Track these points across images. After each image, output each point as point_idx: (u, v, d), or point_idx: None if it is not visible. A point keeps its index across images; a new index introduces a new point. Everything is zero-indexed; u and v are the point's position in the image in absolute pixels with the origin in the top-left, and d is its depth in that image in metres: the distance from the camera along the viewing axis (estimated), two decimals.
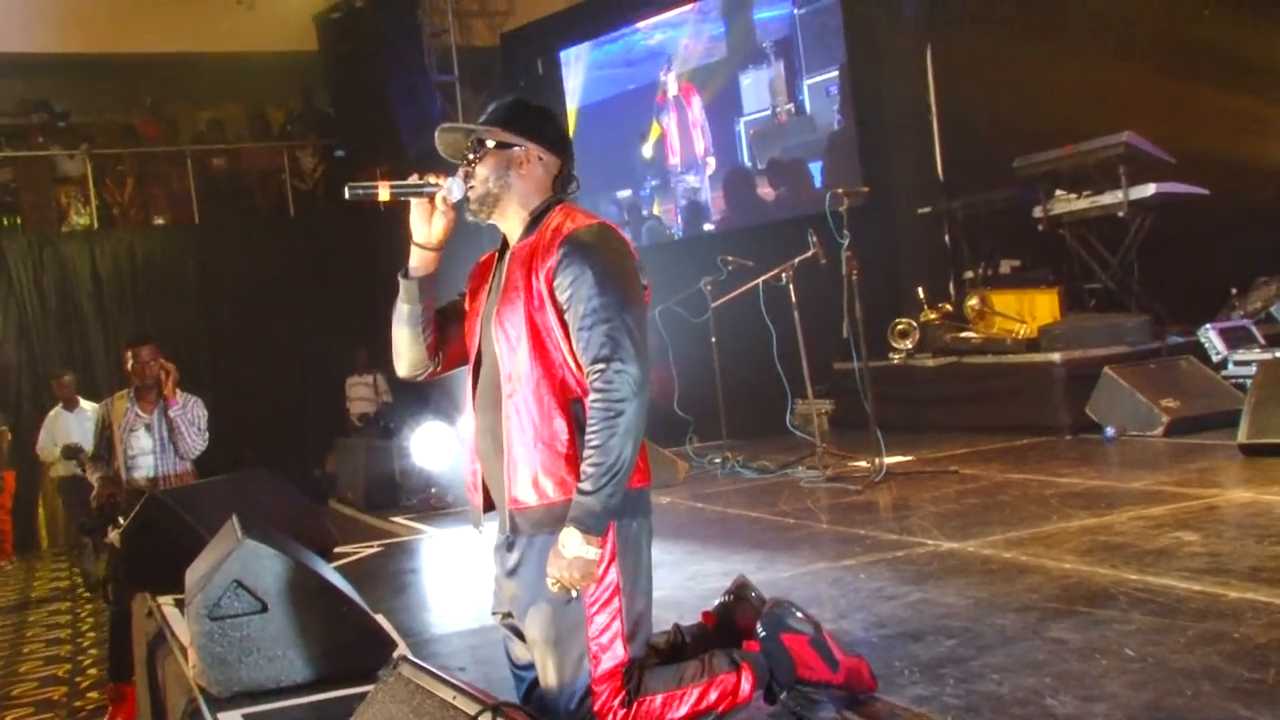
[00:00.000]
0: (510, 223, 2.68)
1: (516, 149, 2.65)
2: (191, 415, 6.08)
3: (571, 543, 2.42)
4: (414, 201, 2.66)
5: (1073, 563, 4.09)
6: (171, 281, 13.49)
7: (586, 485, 2.41)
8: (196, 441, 6.11)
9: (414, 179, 2.65)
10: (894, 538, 4.92)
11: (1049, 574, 3.98)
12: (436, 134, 2.72)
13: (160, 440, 6.02)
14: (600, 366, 2.42)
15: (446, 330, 2.82)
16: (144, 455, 6.03)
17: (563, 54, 13.20)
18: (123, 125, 14.16)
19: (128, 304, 13.23)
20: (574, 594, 2.49)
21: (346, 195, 2.60)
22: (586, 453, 2.43)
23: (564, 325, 2.50)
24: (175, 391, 6.02)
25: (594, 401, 2.43)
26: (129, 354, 6.07)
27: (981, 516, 5.16)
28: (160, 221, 13.95)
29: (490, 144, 2.64)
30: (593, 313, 2.44)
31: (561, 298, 2.49)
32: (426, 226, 2.69)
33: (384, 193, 2.60)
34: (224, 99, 14.85)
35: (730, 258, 7.73)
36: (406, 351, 2.80)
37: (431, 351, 2.80)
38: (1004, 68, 9.07)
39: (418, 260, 2.72)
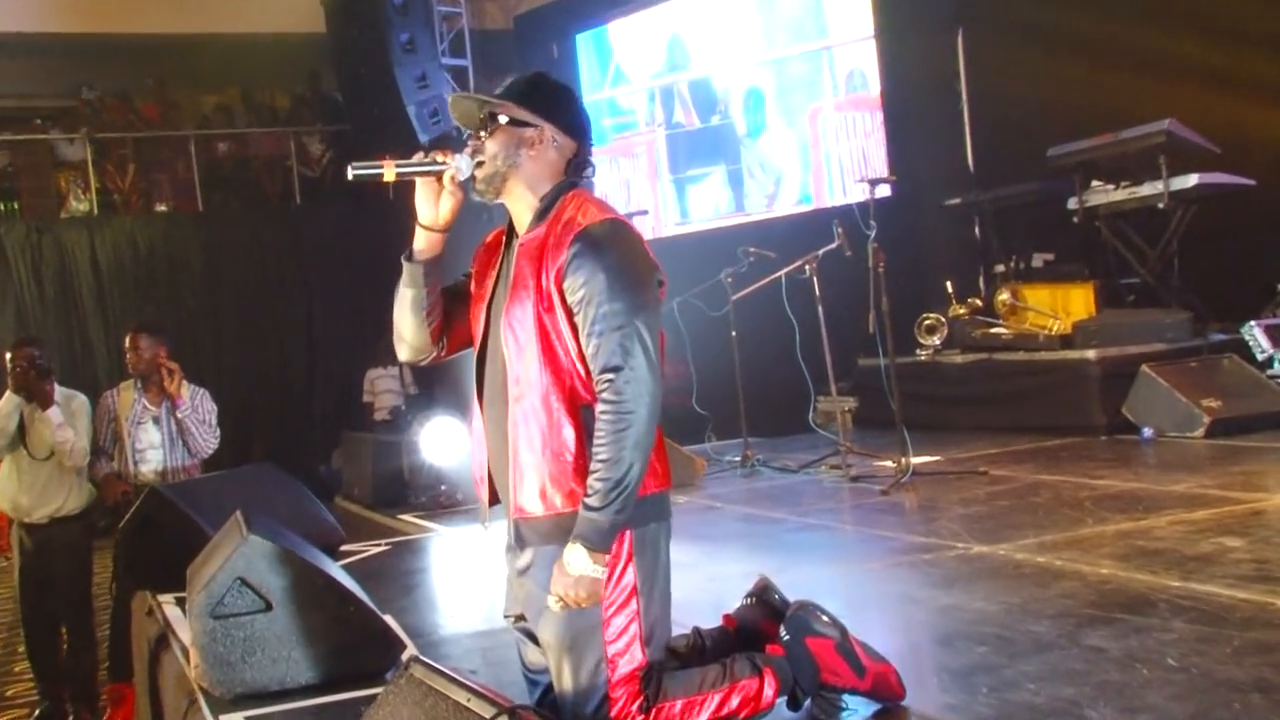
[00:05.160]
0: (518, 205, 2.64)
1: (530, 129, 2.61)
2: (201, 413, 6.03)
3: (577, 560, 2.40)
4: (419, 181, 2.63)
5: (1110, 568, 4.05)
6: (174, 271, 13.49)
7: (593, 500, 2.39)
8: (209, 439, 6.06)
9: (419, 157, 2.62)
10: (921, 540, 4.89)
11: (1085, 579, 3.94)
12: (450, 100, 2.70)
13: (169, 434, 5.98)
14: (610, 376, 2.40)
15: (451, 314, 2.79)
16: (152, 449, 5.98)
17: (579, 37, 13.18)
18: (125, 109, 14.18)
19: (129, 294, 13.23)
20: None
21: (350, 176, 2.57)
22: (594, 466, 2.40)
23: (574, 327, 2.47)
24: (180, 391, 5.97)
25: (603, 411, 2.40)
26: (128, 340, 6.03)
27: (1013, 519, 5.12)
28: (162, 209, 13.95)
29: (503, 120, 2.61)
30: (604, 318, 2.41)
31: (572, 300, 2.46)
32: (433, 207, 2.65)
33: (389, 173, 2.56)
34: (229, 82, 14.84)
35: (752, 248, 7.70)
36: (410, 336, 2.77)
37: (435, 336, 2.78)
38: (1038, 52, 9.01)
39: (423, 242, 2.69)
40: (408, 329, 2.76)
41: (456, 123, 2.71)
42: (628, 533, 2.49)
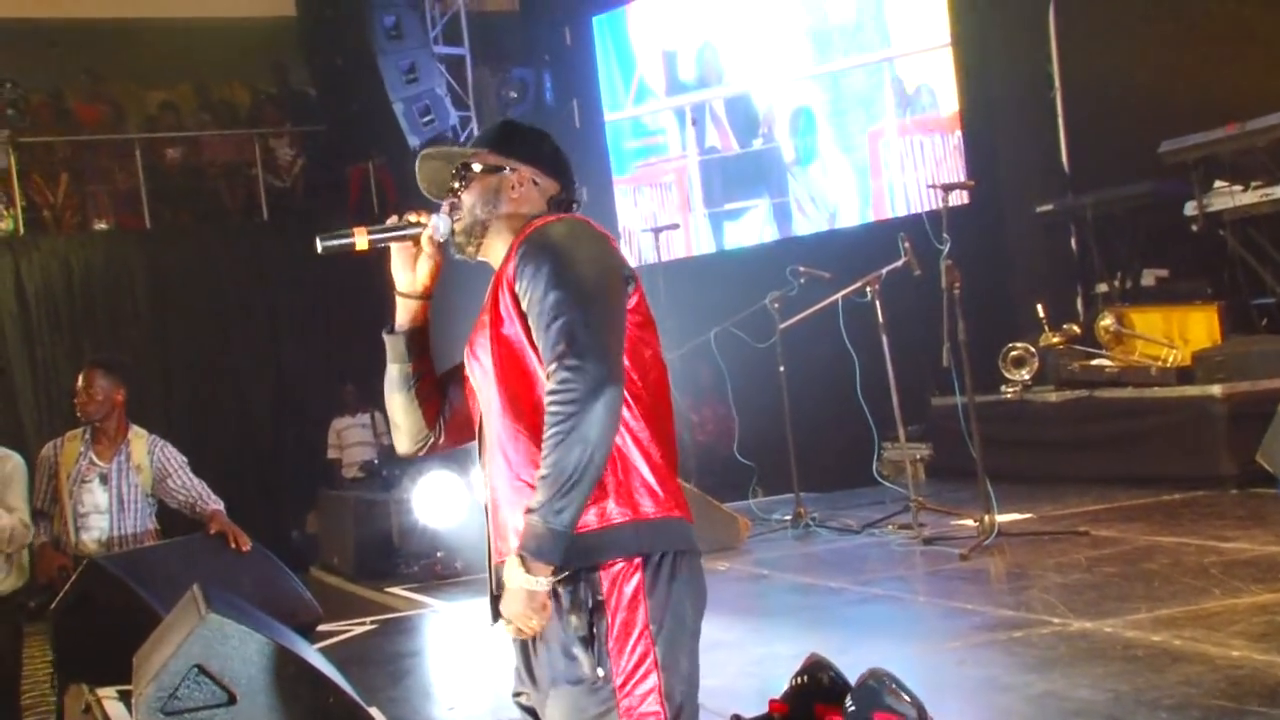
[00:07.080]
0: (499, 256, 2.75)
1: (508, 171, 2.75)
2: (180, 483, 5.90)
3: (512, 573, 2.45)
4: (394, 246, 2.78)
5: (1243, 649, 4.05)
6: (116, 300, 13.56)
7: (532, 502, 2.45)
8: (206, 495, 5.92)
9: (393, 221, 2.80)
10: (1010, 614, 4.90)
11: (1212, 663, 3.94)
12: (416, 165, 2.87)
13: (118, 495, 5.90)
14: (552, 366, 2.48)
15: (450, 394, 2.90)
16: (97, 514, 5.88)
17: (596, 20, 13.26)
18: (56, 109, 14.32)
19: (61, 329, 13.27)
20: (588, 667, 2.48)
21: (319, 250, 2.77)
22: (540, 468, 2.46)
23: (531, 336, 2.56)
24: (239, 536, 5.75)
25: (548, 405, 2.47)
26: (81, 379, 5.97)
27: (1121, 590, 5.12)
28: (102, 226, 14.07)
29: (477, 168, 2.75)
30: (550, 309, 2.50)
31: (524, 305, 2.56)
32: (410, 273, 2.81)
33: (361, 241, 2.75)
34: (179, 77, 15.00)
35: (802, 268, 7.73)
36: (402, 420, 2.91)
37: (431, 420, 2.89)
38: (1146, 29, 9.03)
39: (404, 313, 2.84)
40: (398, 411, 2.90)
41: (425, 190, 2.90)
42: (642, 594, 2.51)
